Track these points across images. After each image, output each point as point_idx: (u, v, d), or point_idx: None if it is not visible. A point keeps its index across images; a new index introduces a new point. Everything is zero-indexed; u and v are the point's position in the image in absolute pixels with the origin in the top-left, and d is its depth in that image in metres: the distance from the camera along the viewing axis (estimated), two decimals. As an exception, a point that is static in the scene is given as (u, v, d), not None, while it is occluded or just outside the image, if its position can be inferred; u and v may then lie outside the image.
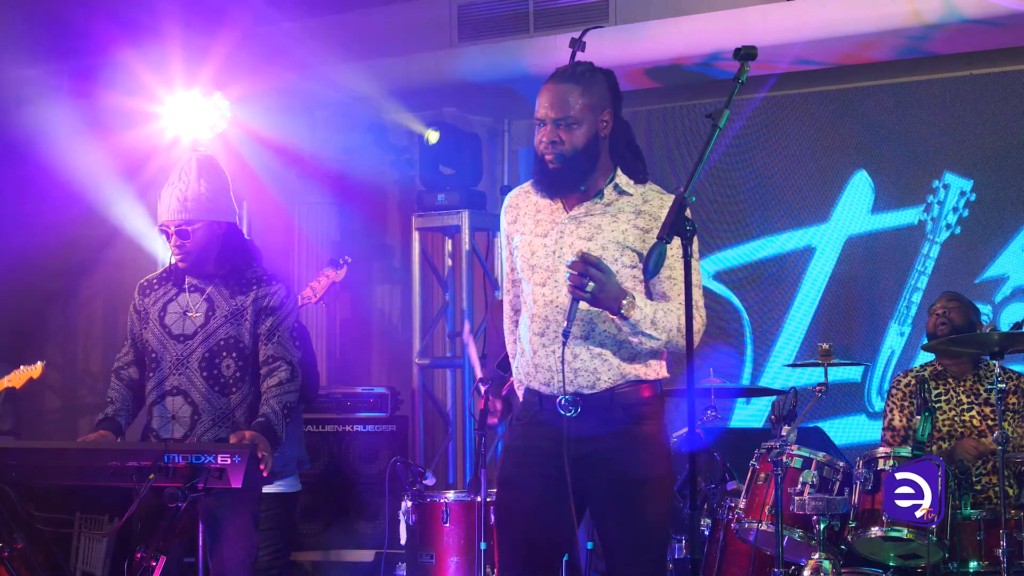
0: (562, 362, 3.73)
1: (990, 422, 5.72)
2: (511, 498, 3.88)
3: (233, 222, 4.68)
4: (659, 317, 3.71)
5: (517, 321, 4.02)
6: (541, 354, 3.80)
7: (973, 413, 5.80)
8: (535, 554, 3.83)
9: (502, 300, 4.13)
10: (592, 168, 3.84)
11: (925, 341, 5.98)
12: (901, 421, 5.84)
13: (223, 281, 4.61)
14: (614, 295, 3.64)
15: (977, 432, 5.76)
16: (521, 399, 3.95)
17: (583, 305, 3.67)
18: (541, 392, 3.83)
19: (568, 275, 3.62)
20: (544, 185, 3.88)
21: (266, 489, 5.56)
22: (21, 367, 6.63)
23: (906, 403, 5.86)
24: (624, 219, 3.80)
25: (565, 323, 3.67)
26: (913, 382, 5.87)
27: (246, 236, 5.01)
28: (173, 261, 4.62)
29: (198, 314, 4.57)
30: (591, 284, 3.58)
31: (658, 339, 3.71)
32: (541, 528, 3.81)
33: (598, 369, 3.76)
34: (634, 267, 3.78)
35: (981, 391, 5.82)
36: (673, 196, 3.70)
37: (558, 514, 3.73)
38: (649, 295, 3.81)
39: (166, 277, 4.71)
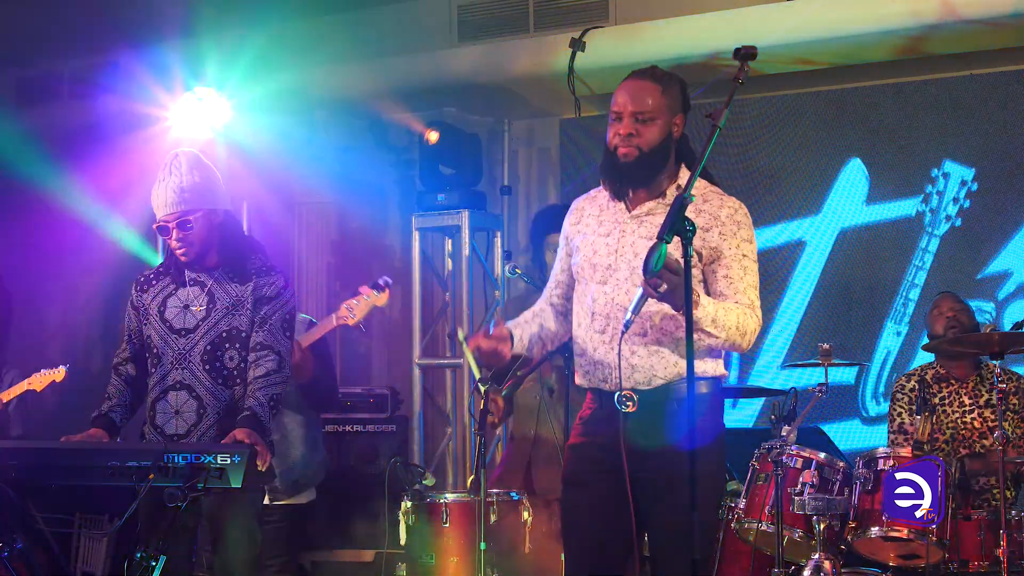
0: (619, 356, 3.79)
1: (991, 424, 5.72)
2: (575, 497, 3.95)
3: (230, 209, 4.68)
4: (720, 316, 3.76)
5: (543, 308, 4.14)
6: (601, 351, 3.88)
7: (975, 415, 5.80)
8: (600, 553, 3.87)
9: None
10: (661, 168, 3.91)
11: (925, 341, 5.96)
12: (912, 424, 5.81)
13: (224, 272, 4.61)
14: (682, 294, 3.67)
15: (978, 434, 5.76)
16: (586, 397, 4.01)
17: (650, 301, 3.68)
18: (600, 389, 3.90)
19: (646, 278, 3.62)
20: (611, 179, 3.93)
21: (284, 501, 5.58)
22: (42, 371, 6.40)
23: (913, 406, 5.83)
24: None
25: (630, 314, 3.67)
26: (916, 382, 5.86)
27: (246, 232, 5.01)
28: (179, 254, 4.58)
29: (200, 308, 4.56)
30: (663, 286, 3.59)
31: (717, 337, 3.77)
32: (606, 526, 3.86)
33: (655, 366, 3.83)
34: (693, 267, 3.76)
35: (983, 393, 5.81)
36: (733, 198, 3.87)
37: (622, 511, 3.79)
38: (708, 294, 3.86)
39: (163, 272, 4.70)
